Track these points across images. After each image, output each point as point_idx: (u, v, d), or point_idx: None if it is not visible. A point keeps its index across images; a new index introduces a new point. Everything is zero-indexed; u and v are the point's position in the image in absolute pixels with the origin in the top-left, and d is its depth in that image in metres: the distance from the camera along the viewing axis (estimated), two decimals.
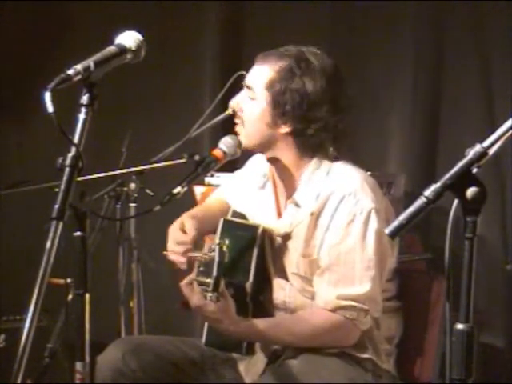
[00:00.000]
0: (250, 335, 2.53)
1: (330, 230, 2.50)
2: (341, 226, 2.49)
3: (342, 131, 2.57)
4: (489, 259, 3.72)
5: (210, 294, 2.33)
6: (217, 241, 2.43)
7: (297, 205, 2.58)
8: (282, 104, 2.51)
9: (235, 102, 2.62)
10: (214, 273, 2.33)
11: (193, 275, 2.46)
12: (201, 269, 2.41)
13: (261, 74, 2.55)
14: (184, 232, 2.61)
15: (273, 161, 2.62)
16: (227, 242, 2.39)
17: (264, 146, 2.59)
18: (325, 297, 2.50)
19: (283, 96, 2.51)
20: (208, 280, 2.35)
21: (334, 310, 2.48)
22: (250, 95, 2.57)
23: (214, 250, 2.36)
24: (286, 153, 2.58)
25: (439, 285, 2.68)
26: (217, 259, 2.34)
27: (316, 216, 2.53)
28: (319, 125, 2.52)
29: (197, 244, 2.60)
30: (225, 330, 2.47)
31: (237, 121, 2.61)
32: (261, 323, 2.50)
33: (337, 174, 2.56)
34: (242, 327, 2.47)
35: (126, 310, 3.38)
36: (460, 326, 1.68)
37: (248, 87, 2.58)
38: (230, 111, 2.67)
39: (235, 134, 2.60)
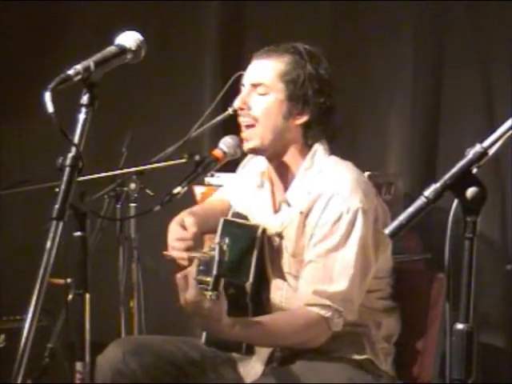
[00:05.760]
0: (241, 336, 2.46)
1: (317, 227, 2.49)
2: (327, 224, 2.47)
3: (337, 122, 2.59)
4: (489, 259, 3.72)
5: (209, 293, 2.33)
6: (217, 240, 2.43)
7: (288, 204, 2.58)
8: (301, 93, 2.51)
9: (241, 101, 2.56)
10: (214, 271, 2.32)
11: (190, 269, 2.43)
12: (200, 268, 2.40)
13: (269, 68, 2.53)
14: (184, 228, 2.60)
15: (274, 158, 2.60)
16: (227, 241, 2.39)
17: (276, 142, 2.55)
18: (302, 291, 2.50)
19: (301, 85, 2.50)
20: (208, 279, 2.34)
21: (310, 305, 2.46)
22: (260, 91, 2.54)
23: (214, 249, 2.36)
24: (290, 148, 2.57)
25: (439, 284, 2.68)
26: (217, 258, 2.33)
27: (305, 215, 2.52)
28: (333, 112, 2.54)
29: (197, 244, 2.60)
30: (217, 329, 2.39)
31: (244, 121, 2.56)
32: (252, 323, 2.45)
33: (328, 172, 2.55)
34: (236, 328, 2.39)
35: (126, 309, 3.39)
36: (460, 326, 1.68)
37: (256, 84, 2.54)
38: (230, 111, 2.66)
39: (235, 134, 2.60)
